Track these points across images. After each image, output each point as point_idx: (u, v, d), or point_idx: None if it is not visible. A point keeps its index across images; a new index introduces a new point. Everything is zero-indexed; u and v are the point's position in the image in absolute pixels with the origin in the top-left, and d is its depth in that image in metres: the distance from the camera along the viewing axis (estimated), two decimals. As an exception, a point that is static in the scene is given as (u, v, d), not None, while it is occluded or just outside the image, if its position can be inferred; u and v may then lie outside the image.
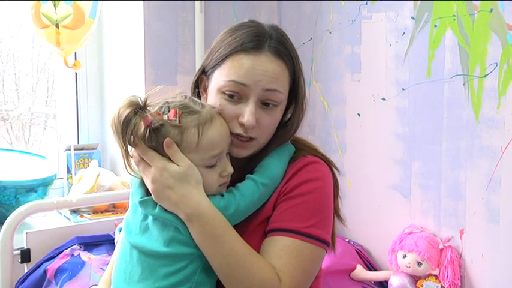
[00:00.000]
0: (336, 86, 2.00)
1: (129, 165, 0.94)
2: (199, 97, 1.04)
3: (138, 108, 0.90)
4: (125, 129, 0.89)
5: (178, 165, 0.90)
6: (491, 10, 1.48)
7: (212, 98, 0.98)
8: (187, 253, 0.89)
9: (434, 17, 1.63)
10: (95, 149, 2.14)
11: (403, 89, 1.75)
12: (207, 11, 2.06)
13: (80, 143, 2.20)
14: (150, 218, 0.93)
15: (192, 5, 2.02)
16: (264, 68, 0.94)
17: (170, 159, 0.90)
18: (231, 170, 0.95)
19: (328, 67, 2.02)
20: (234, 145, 0.96)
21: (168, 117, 0.90)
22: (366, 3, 1.85)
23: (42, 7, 1.71)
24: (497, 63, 1.48)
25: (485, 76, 1.51)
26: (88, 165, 2.03)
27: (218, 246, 0.88)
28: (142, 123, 0.89)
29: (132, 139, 0.90)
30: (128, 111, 0.89)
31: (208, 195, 0.92)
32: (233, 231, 0.90)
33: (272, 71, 0.95)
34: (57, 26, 1.71)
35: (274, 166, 0.97)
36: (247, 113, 0.94)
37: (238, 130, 0.95)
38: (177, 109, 0.90)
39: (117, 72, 2.13)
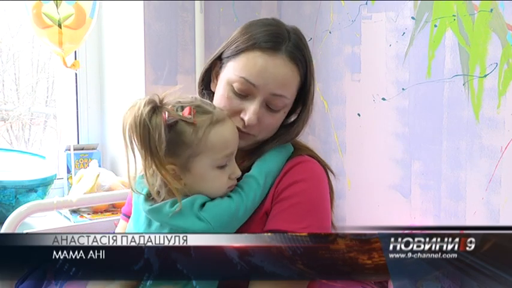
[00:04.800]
0: (336, 86, 2.00)
1: (149, 174, 0.90)
2: (208, 86, 1.05)
3: (156, 107, 0.89)
4: (147, 129, 0.86)
5: None
6: (491, 10, 1.47)
7: (221, 87, 0.99)
8: None
9: (434, 17, 1.63)
10: (95, 149, 2.14)
11: (403, 89, 1.75)
12: (207, 11, 2.06)
13: (80, 143, 2.20)
14: (155, 225, 0.92)
15: (192, 5, 2.02)
16: (276, 71, 0.95)
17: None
18: (239, 172, 0.96)
19: (328, 67, 2.02)
20: None
21: (182, 114, 0.89)
22: (366, 3, 1.85)
23: (44, 7, 1.72)
24: (497, 63, 1.48)
25: (485, 76, 1.51)
26: (88, 165, 2.03)
27: None
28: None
29: (157, 138, 0.87)
30: (147, 109, 0.87)
31: (216, 198, 0.92)
32: None
33: (283, 76, 0.95)
34: (59, 26, 1.72)
35: (273, 164, 0.99)
36: (251, 111, 0.95)
37: (238, 124, 0.96)
38: (191, 107, 0.90)
39: (117, 72, 2.13)
